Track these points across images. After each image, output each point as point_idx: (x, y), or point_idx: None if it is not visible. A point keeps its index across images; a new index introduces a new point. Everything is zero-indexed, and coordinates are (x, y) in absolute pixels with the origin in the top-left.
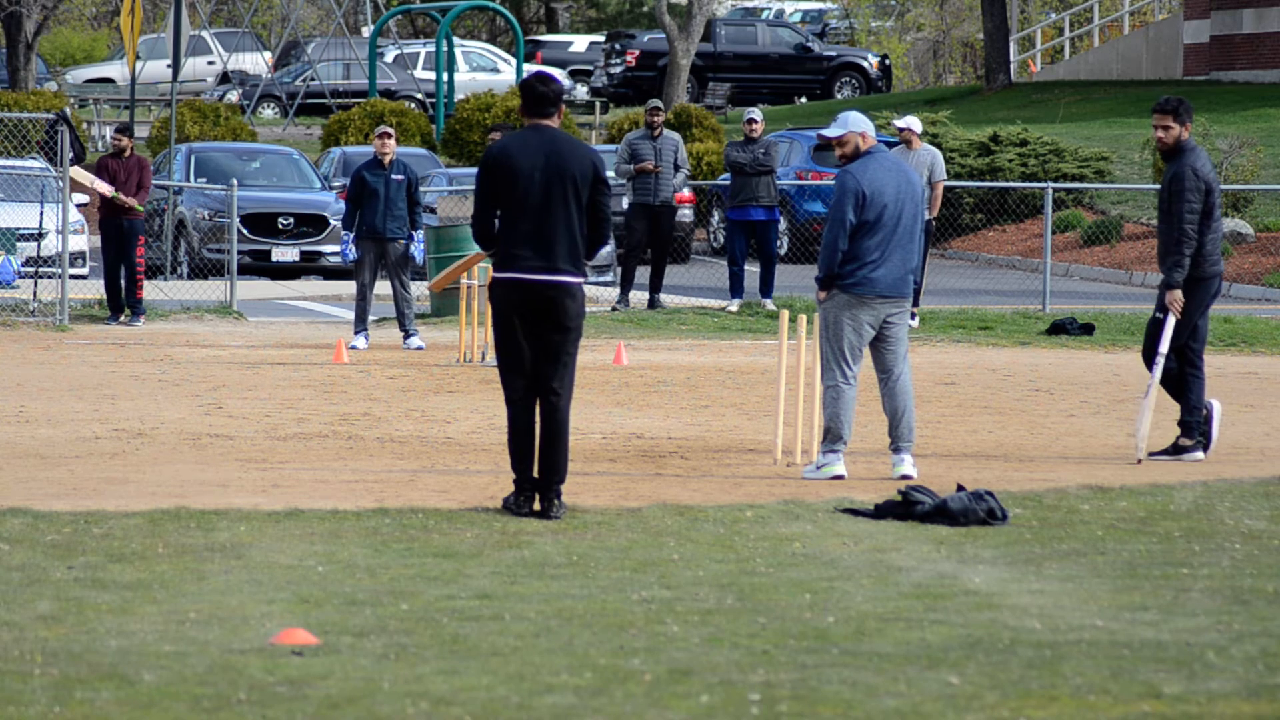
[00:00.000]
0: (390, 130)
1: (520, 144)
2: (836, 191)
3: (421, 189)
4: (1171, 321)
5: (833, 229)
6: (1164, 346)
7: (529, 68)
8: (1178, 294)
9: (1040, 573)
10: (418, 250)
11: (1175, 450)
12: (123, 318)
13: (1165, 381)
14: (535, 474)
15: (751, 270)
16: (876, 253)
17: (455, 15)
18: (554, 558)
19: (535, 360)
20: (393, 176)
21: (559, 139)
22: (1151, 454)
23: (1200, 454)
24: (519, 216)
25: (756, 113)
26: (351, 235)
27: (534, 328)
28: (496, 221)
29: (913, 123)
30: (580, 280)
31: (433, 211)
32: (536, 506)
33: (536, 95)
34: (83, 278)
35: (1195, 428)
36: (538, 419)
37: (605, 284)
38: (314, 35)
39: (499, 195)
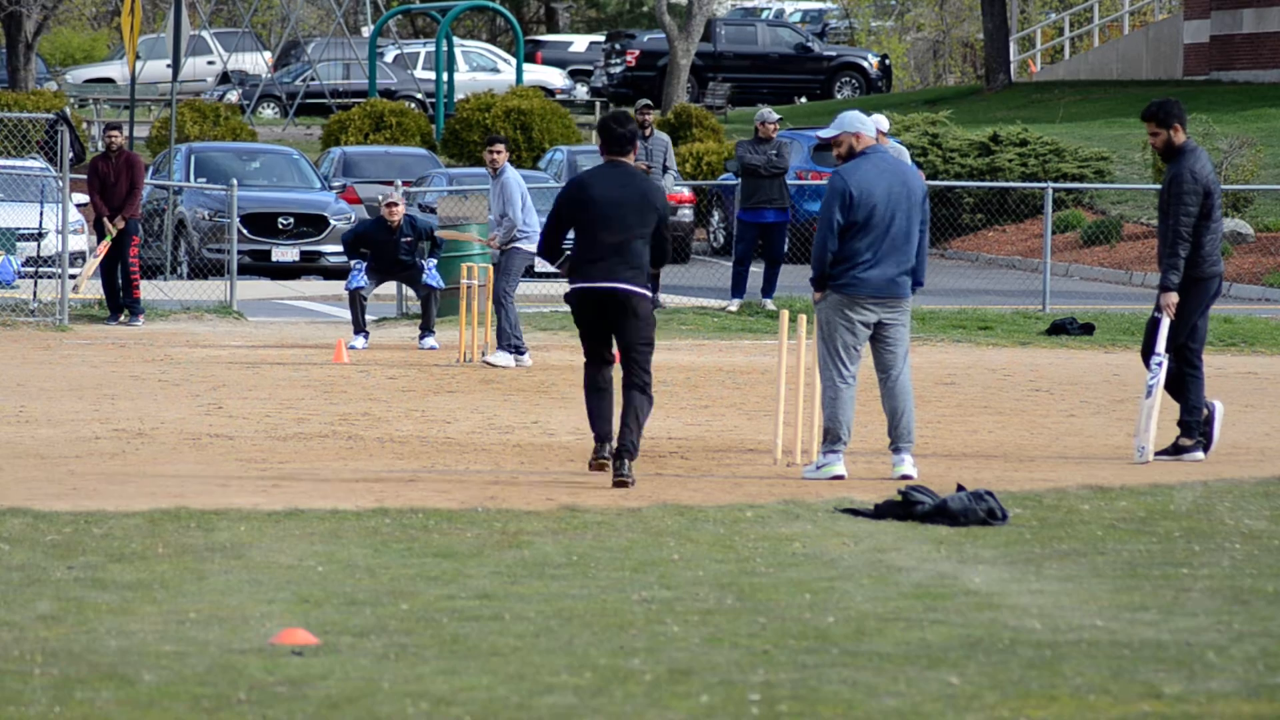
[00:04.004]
0: (398, 200)
1: (599, 177)
2: (826, 192)
3: (420, 189)
4: (1166, 323)
5: (821, 229)
6: (1160, 346)
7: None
8: (1172, 296)
9: (1040, 573)
10: (431, 278)
11: (1175, 450)
12: (122, 317)
13: (1165, 382)
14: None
15: (753, 270)
16: (868, 254)
17: (455, 15)
18: (554, 558)
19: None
20: (401, 239)
21: (633, 176)
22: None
23: (1200, 454)
24: (590, 238)
25: (772, 113)
26: (363, 265)
27: (606, 325)
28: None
29: (880, 122)
30: (642, 291)
31: (433, 211)
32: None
33: (615, 136)
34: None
35: (1195, 428)
36: (620, 398)
37: None
38: (314, 35)
39: (574, 219)
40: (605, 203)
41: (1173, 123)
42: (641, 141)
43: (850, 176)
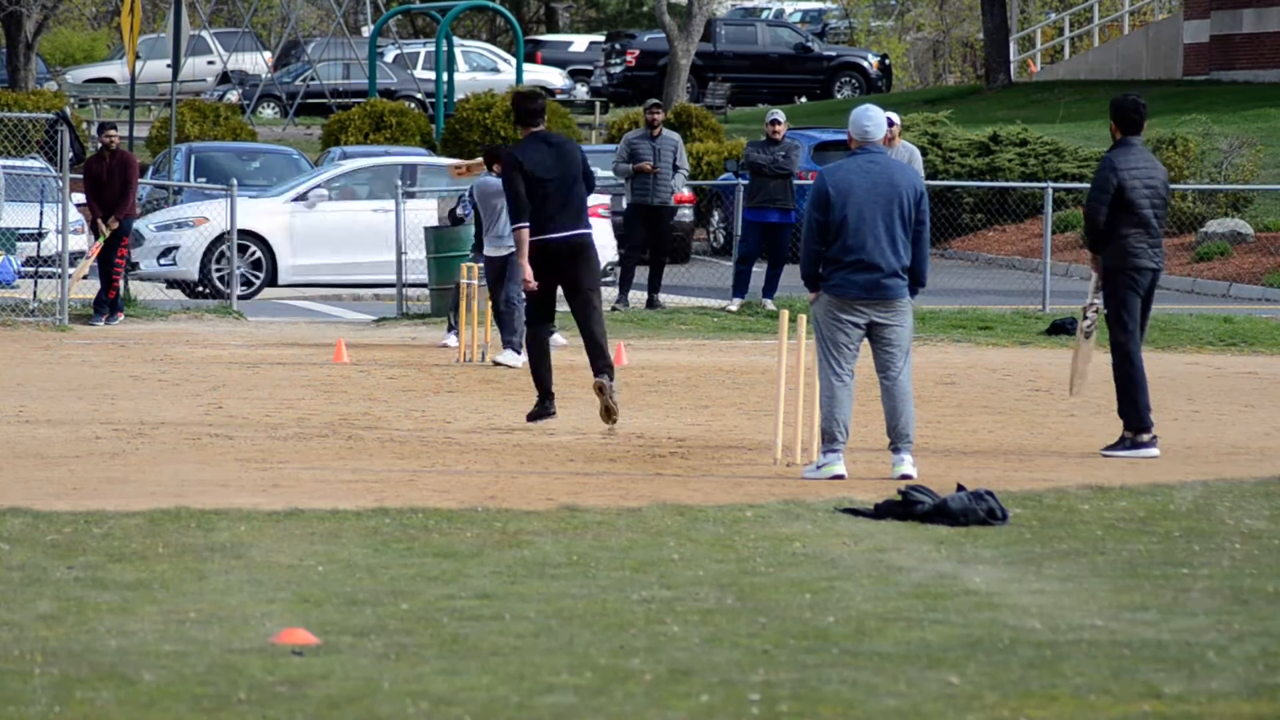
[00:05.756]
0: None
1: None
2: (809, 194)
3: (418, 189)
4: (1093, 276)
5: (804, 230)
6: (1089, 297)
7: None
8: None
9: (1040, 573)
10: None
11: (1120, 443)
12: (103, 320)
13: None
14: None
15: (756, 269)
16: (853, 255)
17: (455, 15)
18: (554, 558)
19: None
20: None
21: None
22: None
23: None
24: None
25: (780, 114)
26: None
27: (560, 272)
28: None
29: (890, 116)
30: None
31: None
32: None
33: (525, 110)
34: (83, 277)
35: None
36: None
37: (605, 284)
38: (314, 35)
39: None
40: (549, 169)
41: (1110, 119)
42: (650, 141)
43: (830, 177)
